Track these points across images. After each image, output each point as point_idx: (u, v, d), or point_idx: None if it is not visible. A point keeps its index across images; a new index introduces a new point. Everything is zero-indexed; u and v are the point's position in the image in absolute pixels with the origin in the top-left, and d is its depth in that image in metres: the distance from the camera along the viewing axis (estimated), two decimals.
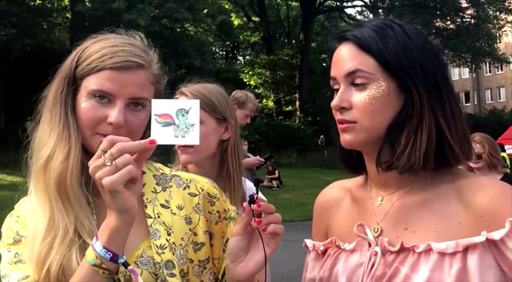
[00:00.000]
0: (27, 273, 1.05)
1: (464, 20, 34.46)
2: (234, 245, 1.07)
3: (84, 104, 1.08)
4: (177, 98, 1.78)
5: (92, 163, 0.94)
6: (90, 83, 1.08)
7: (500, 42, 37.17)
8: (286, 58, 29.78)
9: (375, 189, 1.12)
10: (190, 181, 1.24)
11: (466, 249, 0.94)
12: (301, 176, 17.90)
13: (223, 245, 1.21)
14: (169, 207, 1.17)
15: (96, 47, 1.11)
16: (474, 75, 46.44)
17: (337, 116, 1.08)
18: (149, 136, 0.98)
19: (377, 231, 1.06)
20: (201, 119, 1.74)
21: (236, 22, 31.25)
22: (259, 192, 1.05)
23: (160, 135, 0.97)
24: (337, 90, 1.08)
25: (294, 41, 31.71)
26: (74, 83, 1.11)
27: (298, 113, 28.27)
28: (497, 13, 33.34)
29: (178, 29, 23.39)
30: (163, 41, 24.39)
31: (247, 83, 29.34)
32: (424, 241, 0.97)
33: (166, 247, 1.11)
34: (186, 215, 1.18)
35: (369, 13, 35.51)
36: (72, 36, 23.10)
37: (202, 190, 1.23)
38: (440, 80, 1.03)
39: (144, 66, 1.11)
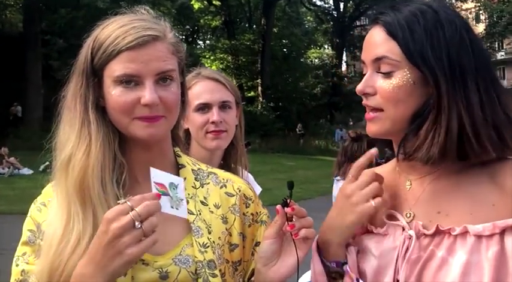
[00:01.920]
0: None
1: None
2: (267, 248, 1.06)
3: (114, 91, 1.02)
4: (195, 83, 1.68)
5: (118, 220, 0.87)
6: (113, 70, 1.02)
7: None
8: (248, 43, 29.64)
9: (403, 174, 1.11)
10: (227, 180, 1.20)
11: (503, 231, 0.93)
12: (265, 161, 18.00)
13: (252, 248, 1.18)
14: (207, 205, 1.13)
15: (107, 32, 1.05)
16: None
17: (364, 101, 1.06)
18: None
19: (409, 216, 1.05)
20: (231, 103, 1.71)
21: (196, 6, 30.73)
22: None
23: (161, 203, 0.95)
24: (364, 75, 1.07)
25: (255, 26, 31.56)
26: (94, 76, 1.04)
27: (260, 98, 28.29)
28: (453, 1, 34.23)
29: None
30: None
31: (209, 68, 29.03)
32: (459, 224, 0.97)
33: (208, 246, 1.06)
34: (222, 215, 1.14)
35: None
36: (26, 18, 22.19)
37: (240, 191, 1.19)
38: (469, 69, 0.99)
39: (160, 37, 1.05)
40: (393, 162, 1.17)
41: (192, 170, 1.18)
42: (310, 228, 1.04)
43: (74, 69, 1.08)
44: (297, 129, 23.56)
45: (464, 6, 33.18)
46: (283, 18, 32.36)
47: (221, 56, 30.21)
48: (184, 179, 1.11)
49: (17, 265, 1.05)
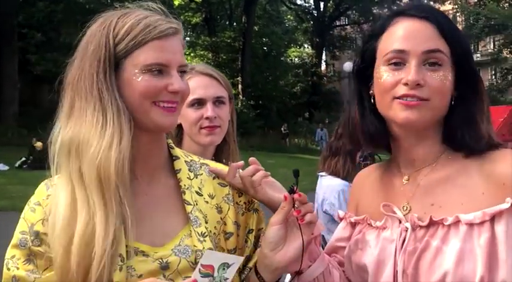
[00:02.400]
0: None
1: None
2: (274, 234, 1.09)
3: (140, 78, 1.03)
4: (189, 78, 1.67)
5: None
6: (142, 57, 1.03)
7: None
8: (229, 41, 29.59)
9: (402, 168, 1.16)
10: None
11: (493, 218, 0.98)
12: (245, 159, 17.96)
13: (245, 236, 1.21)
14: (202, 195, 1.15)
15: (132, 22, 1.04)
16: None
17: (406, 91, 1.06)
18: None
19: (406, 209, 1.10)
20: (224, 99, 1.71)
21: (177, 2, 30.55)
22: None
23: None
24: (396, 66, 1.08)
25: (235, 24, 31.51)
26: (116, 64, 1.03)
27: (240, 96, 28.29)
28: (431, 2, 34.68)
29: (118, 7, 22.57)
30: None
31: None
32: (451, 214, 1.02)
33: (206, 235, 1.09)
34: (217, 204, 1.17)
35: None
36: (1, 11, 21.72)
37: None
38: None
39: (179, 31, 1.10)
40: (390, 159, 1.23)
41: (185, 161, 1.20)
42: (312, 213, 1.10)
43: (83, 55, 1.05)
44: (282, 129, 23.64)
45: (442, 8, 33.73)
46: (264, 16, 32.40)
47: (201, 53, 30.09)
48: (180, 170, 1.13)
49: (8, 269, 1.04)
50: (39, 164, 14.85)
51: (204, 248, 1.07)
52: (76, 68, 1.05)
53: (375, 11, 36.91)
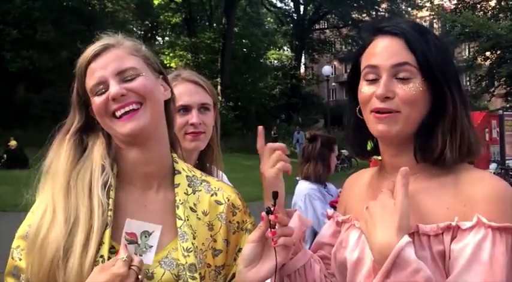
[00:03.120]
0: None
1: (379, 13, 36.08)
2: (250, 251, 1.13)
3: (94, 102, 1.14)
4: (175, 85, 1.69)
5: (117, 270, 0.98)
6: (89, 84, 1.14)
7: None
8: (208, 41, 29.51)
9: (388, 174, 1.20)
10: (218, 189, 1.26)
11: (448, 233, 1.03)
12: (224, 160, 17.99)
13: (235, 254, 1.23)
14: (196, 211, 1.19)
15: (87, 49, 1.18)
16: None
17: (377, 105, 1.11)
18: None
19: None
20: (209, 106, 1.75)
21: (156, 1, 30.36)
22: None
23: (123, 251, 1.05)
24: (372, 80, 1.14)
25: (215, 25, 31.49)
26: (83, 102, 1.19)
27: (219, 97, 28.26)
28: (409, 9, 35.21)
29: (97, 6, 22.38)
30: (81, 17, 23.30)
31: (168, 65, 28.73)
32: (416, 223, 1.07)
33: (191, 250, 1.12)
34: (209, 222, 1.20)
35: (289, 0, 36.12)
36: None
37: (228, 200, 1.25)
38: (461, 83, 1.15)
39: (114, 45, 1.17)
40: (380, 165, 1.27)
41: (187, 176, 1.24)
42: (290, 236, 1.13)
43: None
44: (272, 132, 23.61)
45: (419, 14, 34.28)
46: (244, 18, 32.45)
47: (181, 53, 29.96)
48: (178, 184, 1.19)
49: (13, 258, 1.11)
50: (14, 163, 14.60)
51: (186, 262, 1.10)
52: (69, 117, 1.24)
53: (354, 15, 37.33)
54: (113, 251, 1.07)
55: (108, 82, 1.11)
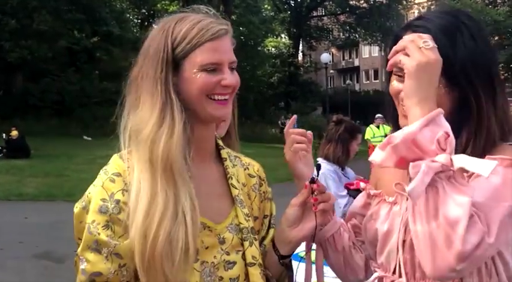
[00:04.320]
0: (100, 269, 1.09)
1: (377, 0, 35.92)
2: (293, 213, 1.29)
3: (198, 76, 1.16)
4: None
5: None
6: (199, 58, 1.16)
7: None
8: None
9: None
10: (248, 164, 1.39)
11: None
12: None
13: (262, 219, 1.37)
14: (239, 182, 1.31)
15: (187, 27, 1.18)
16: (383, 54, 48.80)
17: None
18: None
19: None
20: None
21: None
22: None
23: None
24: (400, 76, 1.16)
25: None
26: (174, 64, 1.17)
27: None
28: None
29: None
30: (79, 6, 23.15)
31: None
32: None
33: (250, 215, 1.27)
34: (248, 192, 1.33)
35: None
36: None
37: (258, 172, 1.39)
38: (496, 79, 1.15)
39: (229, 31, 1.22)
40: None
41: (227, 152, 1.35)
42: (328, 202, 1.29)
43: (146, 56, 1.19)
44: (280, 122, 23.19)
45: (418, 0, 34.18)
46: (241, 5, 32.28)
47: None
48: (226, 159, 1.31)
49: (91, 232, 1.10)
50: (15, 153, 14.64)
51: (249, 225, 1.25)
52: (139, 67, 1.20)
53: (351, 2, 37.18)
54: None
55: (222, 66, 1.18)
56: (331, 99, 27.30)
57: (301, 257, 2.60)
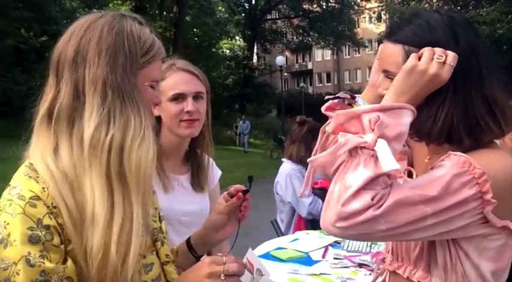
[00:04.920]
0: None
1: (329, 4, 36.60)
2: (221, 220, 1.39)
3: (149, 89, 1.12)
4: (170, 75, 1.78)
5: (212, 266, 1.12)
6: (154, 73, 1.12)
7: (358, 28, 40.22)
8: (160, 30, 29.00)
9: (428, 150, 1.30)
10: None
11: None
12: None
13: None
14: None
15: (152, 37, 1.12)
16: (335, 57, 49.81)
17: None
18: None
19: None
20: (203, 94, 1.83)
21: None
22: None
23: (244, 275, 1.18)
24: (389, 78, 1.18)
25: (165, 13, 30.96)
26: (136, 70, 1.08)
27: None
28: (358, 0, 35.87)
29: None
30: (27, 4, 22.30)
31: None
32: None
33: (155, 215, 1.30)
34: None
35: None
36: None
37: None
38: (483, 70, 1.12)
39: None
40: None
41: None
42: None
43: (112, 54, 1.05)
44: (234, 125, 22.99)
45: (368, 5, 35.07)
46: (195, 7, 32.05)
47: None
48: None
49: (32, 266, 0.94)
50: None
51: (158, 226, 1.27)
52: (102, 68, 1.04)
53: (305, 6, 37.69)
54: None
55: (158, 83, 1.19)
56: (285, 102, 27.53)
57: (272, 255, 2.62)
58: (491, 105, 1.12)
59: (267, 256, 2.57)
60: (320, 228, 3.11)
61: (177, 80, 1.76)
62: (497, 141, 2.87)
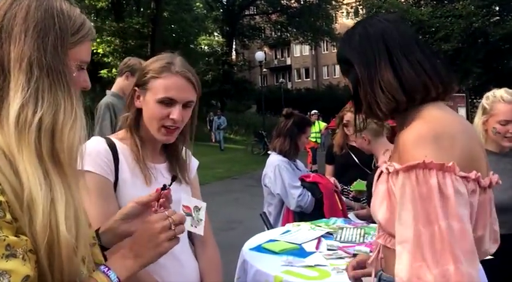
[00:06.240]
0: (26, 272, 0.89)
1: (307, 0, 36.67)
2: (132, 210, 1.36)
3: (75, 73, 1.05)
4: (166, 76, 1.68)
5: (160, 222, 1.20)
6: (82, 54, 1.06)
7: (336, 23, 40.38)
8: (137, 26, 28.65)
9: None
10: None
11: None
12: None
13: None
14: None
15: (82, 17, 1.07)
16: (314, 53, 49.99)
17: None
18: None
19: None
20: (192, 103, 1.72)
21: None
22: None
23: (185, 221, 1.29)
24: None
25: (143, 9, 30.59)
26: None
27: None
28: None
29: None
30: None
31: (95, 51, 27.61)
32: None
33: None
34: None
35: None
36: None
37: None
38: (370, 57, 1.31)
39: None
40: None
41: None
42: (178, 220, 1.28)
43: (40, 29, 0.99)
44: (208, 119, 22.77)
45: (346, 0, 35.22)
46: (172, 2, 31.72)
47: (108, 38, 28.85)
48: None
49: None
50: None
51: None
52: (29, 45, 0.98)
53: (282, 1, 37.70)
54: None
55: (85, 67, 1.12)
56: (265, 98, 27.46)
57: (264, 248, 2.56)
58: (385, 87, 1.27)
59: (259, 249, 2.50)
60: (309, 220, 3.13)
61: (171, 84, 1.65)
62: (481, 133, 2.95)
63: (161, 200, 1.34)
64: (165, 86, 1.65)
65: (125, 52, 29.15)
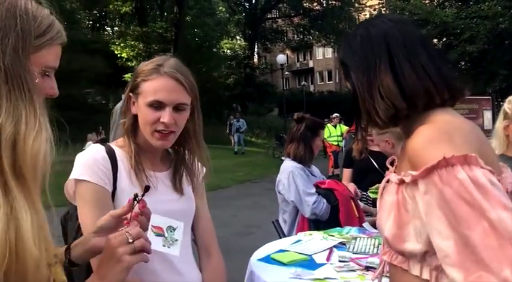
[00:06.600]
0: None
1: (329, 2, 36.50)
2: (106, 223, 1.30)
3: (37, 80, 0.96)
4: (154, 78, 1.60)
5: (116, 238, 1.16)
6: (48, 59, 0.99)
7: None
8: (160, 31, 28.95)
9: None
10: None
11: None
12: None
13: None
14: None
15: (51, 18, 1.00)
16: (336, 55, 49.67)
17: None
18: None
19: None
20: (185, 106, 1.65)
21: None
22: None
23: (153, 242, 1.25)
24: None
25: (166, 14, 30.89)
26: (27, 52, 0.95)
27: None
28: None
29: None
30: None
31: (119, 55, 28.01)
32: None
33: None
34: None
35: None
36: None
37: None
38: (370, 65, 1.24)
39: None
40: None
41: None
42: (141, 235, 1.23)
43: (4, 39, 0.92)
44: (227, 123, 22.79)
45: (369, 3, 34.91)
46: (195, 7, 31.95)
47: (132, 43, 29.23)
48: None
49: None
50: None
51: None
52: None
53: (305, 4, 37.59)
54: None
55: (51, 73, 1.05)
56: (287, 101, 27.38)
57: (273, 259, 2.51)
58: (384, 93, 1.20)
59: (268, 260, 2.44)
60: (323, 229, 3.06)
61: (159, 86, 1.57)
62: (501, 138, 2.83)
63: (134, 212, 1.27)
64: (154, 89, 1.58)
65: (148, 56, 29.15)
